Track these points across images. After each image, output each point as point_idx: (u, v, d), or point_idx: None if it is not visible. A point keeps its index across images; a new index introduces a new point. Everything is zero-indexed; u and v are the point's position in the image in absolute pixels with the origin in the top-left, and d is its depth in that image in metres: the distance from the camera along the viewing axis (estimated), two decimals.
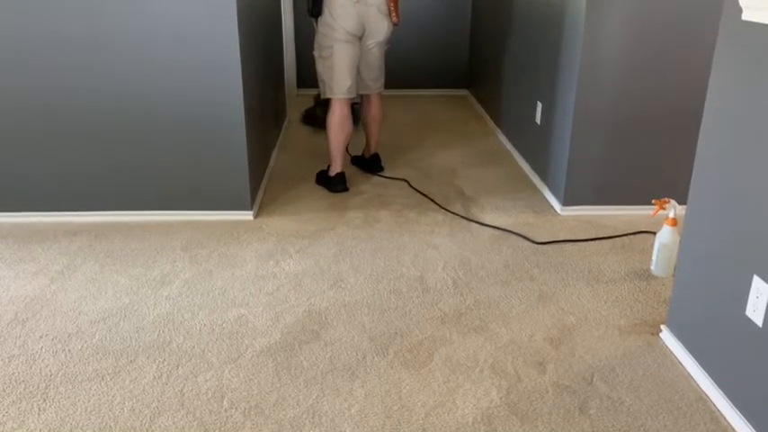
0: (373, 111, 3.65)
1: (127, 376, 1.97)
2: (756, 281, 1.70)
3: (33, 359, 2.05)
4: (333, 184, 3.46)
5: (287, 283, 2.53)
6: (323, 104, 4.23)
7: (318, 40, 3.31)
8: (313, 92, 4.67)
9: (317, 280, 2.55)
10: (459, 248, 2.83)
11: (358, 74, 3.43)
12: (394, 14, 3.30)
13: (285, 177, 3.69)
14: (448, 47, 5.88)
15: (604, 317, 2.32)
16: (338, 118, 3.41)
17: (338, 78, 3.31)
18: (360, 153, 3.92)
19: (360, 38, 3.31)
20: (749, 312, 1.73)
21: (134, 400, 1.86)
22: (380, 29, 3.31)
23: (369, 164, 3.80)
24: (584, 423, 1.80)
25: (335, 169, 3.48)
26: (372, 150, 3.80)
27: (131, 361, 2.04)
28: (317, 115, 4.56)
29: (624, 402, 1.88)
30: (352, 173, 3.71)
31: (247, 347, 2.12)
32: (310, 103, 4.87)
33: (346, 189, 3.47)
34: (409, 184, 3.58)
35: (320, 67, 3.36)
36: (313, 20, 3.34)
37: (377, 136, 3.75)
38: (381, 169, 3.76)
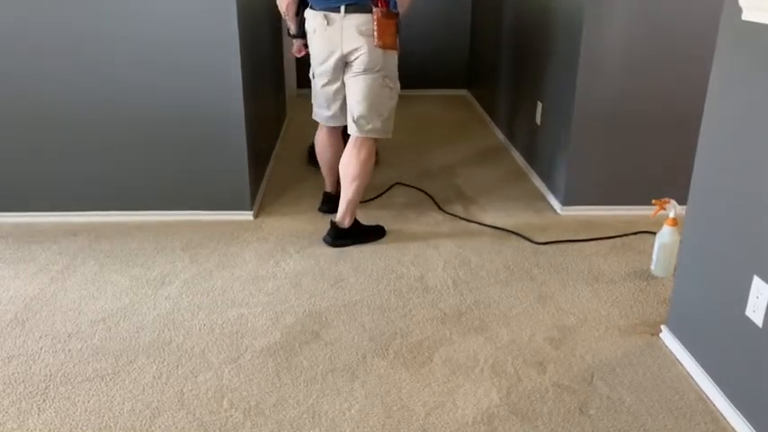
0: (345, 159, 2.79)
1: (127, 376, 1.97)
2: (756, 281, 1.70)
3: (33, 359, 2.05)
4: (322, 201, 3.23)
5: (287, 283, 2.53)
6: None
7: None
8: None
9: (317, 280, 2.55)
10: (459, 248, 2.83)
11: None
12: (377, 37, 2.59)
13: (285, 177, 3.69)
14: (448, 47, 5.88)
15: (604, 317, 2.32)
16: (319, 142, 3.06)
17: (317, 104, 2.94)
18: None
19: (346, 64, 2.70)
20: (749, 312, 1.73)
21: (134, 400, 1.86)
22: (361, 55, 2.62)
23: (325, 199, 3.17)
24: (585, 423, 1.80)
25: (324, 187, 3.22)
26: (336, 192, 3.01)
27: (131, 361, 2.04)
28: None
29: (624, 402, 1.88)
30: None
31: (247, 347, 2.12)
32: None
33: (327, 212, 3.10)
34: (402, 184, 3.57)
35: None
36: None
37: (346, 194, 2.81)
38: (329, 243, 2.85)
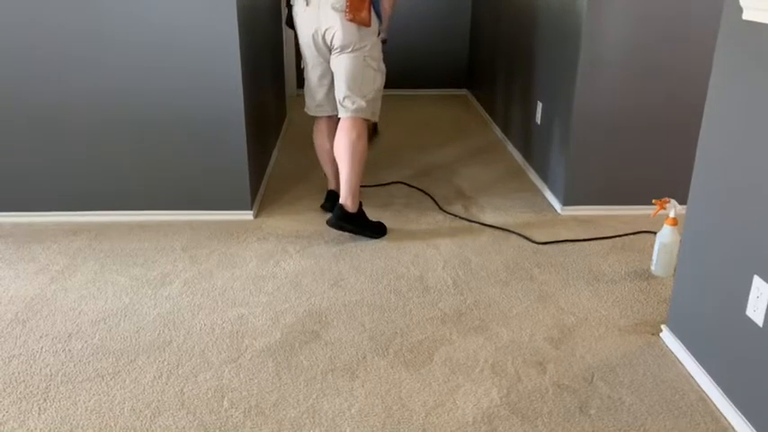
0: (336, 142, 2.82)
1: (127, 376, 1.97)
2: (756, 281, 1.70)
3: (33, 359, 2.05)
4: (325, 198, 3.24)
5: (287, 283, 2.53)
6: None
7: None
8: None
9: (317, 280, 2.55)
10: (459, 248, 2.83)
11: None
12: (347, 11, 2.66)
13: (285, 177, 3.69)
14: (448, 47, 5.87)
15: (604, 317, 2.32)
16: (317, 138, 3.10)
17: (307, 93, 3.01)
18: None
19: (330, 48, 2.79)
20: (749, 312, 1.73)
21: (134, 400, 1.87)
22: (335, 31, 2.70)
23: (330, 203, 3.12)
24: (585, 423, 1.80)
25: (328, 185, 3.23)
26: (338, 189, 2.97)
27: (131, 361, 2.04)
28: None
29: (624, 402, 1.88)
30: None
31: (247, 347, 2.12)
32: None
33: (329, 210, 3.01)
34: (406, 184, 3.58)
35: None
36: None
37: (344, 175, 2.81)
38: (333, 223, 2.82)
